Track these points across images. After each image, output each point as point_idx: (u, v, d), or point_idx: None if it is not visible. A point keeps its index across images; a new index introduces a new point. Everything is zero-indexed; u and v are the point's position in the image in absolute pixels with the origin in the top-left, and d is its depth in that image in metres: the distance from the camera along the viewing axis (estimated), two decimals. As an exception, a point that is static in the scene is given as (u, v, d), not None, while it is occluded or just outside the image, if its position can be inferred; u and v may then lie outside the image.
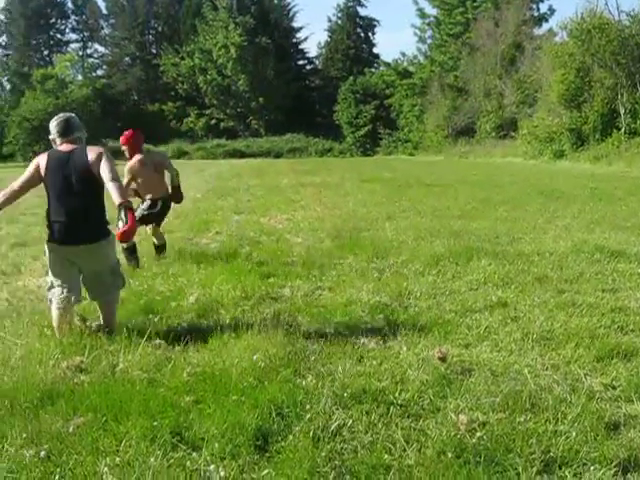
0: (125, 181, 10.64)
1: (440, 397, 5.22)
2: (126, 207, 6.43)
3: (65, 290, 6.78)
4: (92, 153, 6.62)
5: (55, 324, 6.83)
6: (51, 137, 6.96)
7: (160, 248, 11.38)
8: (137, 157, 10.92)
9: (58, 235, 6.71)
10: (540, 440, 4.47)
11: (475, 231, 13.32)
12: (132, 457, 4.31)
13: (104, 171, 6.53)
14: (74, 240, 6.68)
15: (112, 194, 6.45)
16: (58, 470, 4.21)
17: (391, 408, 4.99)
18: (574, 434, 4.55)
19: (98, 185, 6.62)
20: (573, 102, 43.10)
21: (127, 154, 11.03)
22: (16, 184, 6.70)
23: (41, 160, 6.73)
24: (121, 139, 11.09)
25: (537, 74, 51.73)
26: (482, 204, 18.27)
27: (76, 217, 6.62)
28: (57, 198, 6.66)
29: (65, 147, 6.79)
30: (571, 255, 10.61)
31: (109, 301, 7.04)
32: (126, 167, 10.89)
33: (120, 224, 6.41)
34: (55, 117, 7.08)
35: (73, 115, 7.13)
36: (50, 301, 6.93)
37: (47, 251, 6.82)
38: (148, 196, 10.94)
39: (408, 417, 4.91)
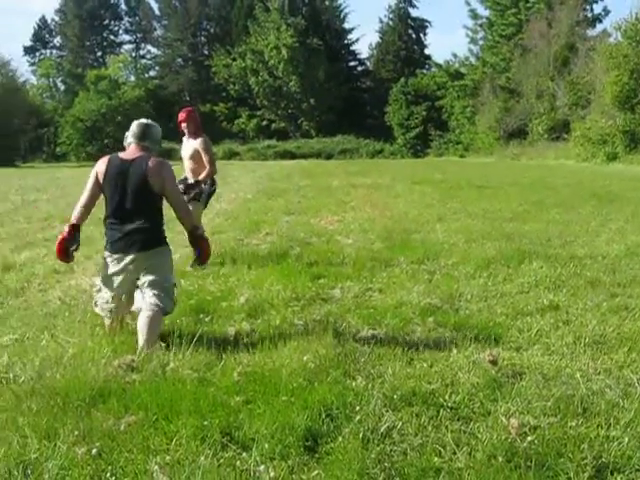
0: (208, 159, 10.79)
1: (491, 400, 5.18)
2: (197, 237, 6.83)
3: (111, 299, 6.81)
4: (152, 164, 6.59)
5: (106, 327, 6.94)
6: (126, 134, 6.97)
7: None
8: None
9: (111, 242, 6.76)
10: (592, 445, 4.43)
11: (527, 234, 13.23)
12: (182, 456, 4.35)
13: (170, 197, 6.68)
14: (125, 249, 6.68)
15: (183, 223, 6.81)
16: (109, 468, 4.26)
17: (441, 411, 4.98)
18: (627, 439, 4.50)
19: (153, 195, 6.62)
20: (627, 104, 42.65)
21: (187, 130, 10.94)
22: (83, 201, 6.77)
23: (100, 167, 6.73)
24: (182, 115, 10.99)
25: (590, 75, 51.24)
26: (534, 206, 18.12)
27: (128, 225, 6.64)
28: (113, 206, 6.69)
29: (129, 153, 6.79)
30: (624, 259, 10.51)
31: (148, 318, 6.55)
32: (206, 143, 10.87)
33: (197, 252, 6.95)
34: (141, 120, 7.10)
35: (156, 125, 7.09)
36: (95, 304, 7.01)
37: (104, 256, 6.90)
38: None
39: (458, 420, 4.89)
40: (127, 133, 6.96)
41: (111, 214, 6.74)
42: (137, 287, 6.82)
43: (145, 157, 6.67)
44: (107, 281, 6.83)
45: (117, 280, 6.78)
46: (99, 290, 6.94)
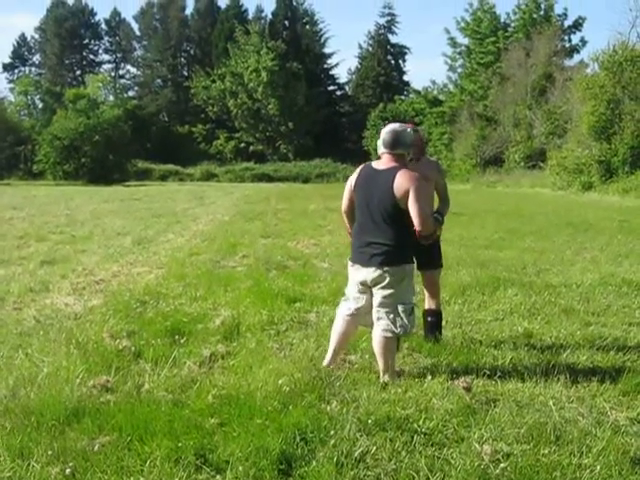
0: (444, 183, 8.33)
1: (464, 427, 5.21)
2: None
3: (352, 310, 6.71)
4: (401, 175, 6.27)
5: (333, 331, 6.84)
6: (378, 143, 6.63)
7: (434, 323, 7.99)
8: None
9: (352, 251, 6.70)
10: (564, 473, 4.46)
11: (502, 261, 13.31)
12: (156, 477, 4.35)
13: (411, 210, 6.22)
14: (362, 261, 6.51)
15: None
16: (83, 488, 4.24)
17: (415, 436, 5.00)
18: (599, 468, 4.53)
19: (398, 209, 6.30)
20: (603, 134, 42.91)
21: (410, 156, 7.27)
22: (343, 208, 6.94)
23: (353, 178, 6.73)
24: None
25: (567, 105, 51.71)
26: (509, 234, 18.24)
27: (368, 237, 6.46)
28: (358, 215, 6.66)
29: (382, 162, 6.54)
30: (598, 288, 10.58)
31: (379, 345, 6.47)
32: (441, 167, 8.66)
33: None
34: (389, 126, 6.66)
35: (405, 129, 6.55)
36: (339, 308, 6.96)
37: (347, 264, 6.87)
38: None
39: (432, 446, 4.91)
40: (378, 142, 6.60)
41: (356, 223, 6.71)
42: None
43: (397, 168, 6.36)
44: (350, 290, 6.77)
45: (356, 291, 6.67)
46: (346, 299, 6.84)
